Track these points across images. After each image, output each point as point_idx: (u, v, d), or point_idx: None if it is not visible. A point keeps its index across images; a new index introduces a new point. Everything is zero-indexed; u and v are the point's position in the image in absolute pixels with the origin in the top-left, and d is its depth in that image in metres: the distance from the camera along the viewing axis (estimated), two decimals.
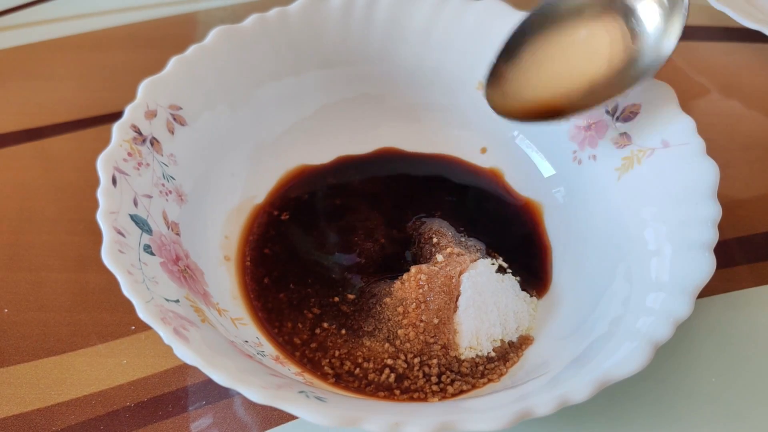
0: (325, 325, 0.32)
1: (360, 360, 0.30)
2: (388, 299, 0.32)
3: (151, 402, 0.30)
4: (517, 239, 0.35)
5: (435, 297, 0.31)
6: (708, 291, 0.28)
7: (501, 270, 0.33)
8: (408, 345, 0.30)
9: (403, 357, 0.30)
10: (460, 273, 0.32)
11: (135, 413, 0.30)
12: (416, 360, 0.30)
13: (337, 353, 0.31)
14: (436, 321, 0.31)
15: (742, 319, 0.32)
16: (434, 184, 0.38)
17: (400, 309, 0.31)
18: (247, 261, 0.34)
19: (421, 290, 0.31)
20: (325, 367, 0.30)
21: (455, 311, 0.31)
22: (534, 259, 0.34)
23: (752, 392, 0.30)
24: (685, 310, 0.26)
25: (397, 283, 0.32)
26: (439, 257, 0.33)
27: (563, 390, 0.24)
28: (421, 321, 0.31)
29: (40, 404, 0.30)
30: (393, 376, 0.30)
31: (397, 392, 0.29)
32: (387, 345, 0.31)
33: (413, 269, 0.32)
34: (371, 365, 0.30)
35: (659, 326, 0.26)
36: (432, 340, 0.30)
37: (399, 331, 0.31)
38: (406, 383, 0.30)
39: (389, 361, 0.30)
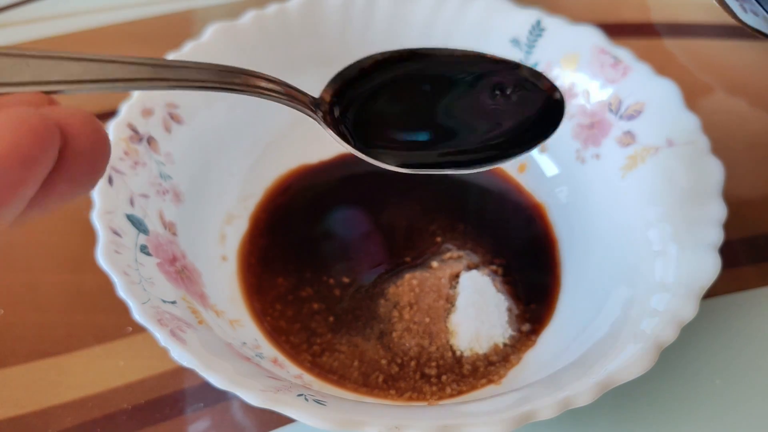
0: (315, 306, 0.31)
1: (343, 356, 0.30)
2: (382, 300, 0.32)
3: (148, 405, 0.30)
4: (523, 238, 0.35)
5: (424, 296, 0.31)
6: (713, 292, 0.27)
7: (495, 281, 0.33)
8: (404, 348, 0.30)
9: (398, 360, 0.30)
10: (451, 274, 0.32)
11: (132, 416, 0.29)
12: (413, 363, 0.30)
13: (319, 340, 0.30)
14: (427, 320, 0.31)
15: (747, 320, 0.32)
16: (437, 180, 0.37)
17: (395, 313, 0.31)
18: (252, 258, 0.33)
19: (413, 293, 0.31)
20: (304, 354, 0.30)
21: (453, 312, 0.31)
22: (541, 258, 0.34)
23: (757, 394, 0.30)
24: (690, 311, 0.26)
25: (392, 287, 0.32)
26: (434, 263, 0.33)
27: (567, 393, 0.24)
28: (415, 323, 0.31)
29: (36, 407, 0.30)
30: (382, 377, 0.29)
31: (393, 392, 0.29)
32: (378, 346, 0.30)
33: (407, 276, 0.32)
34: (357, 363, 0.30)
35: (664, 328, 0.26)
36: (427, 342, 0.30)
37: (393, 334, 0.31)
38: (402, 384, 0.29)
39: (383, 362, 0.30)
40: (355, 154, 0.24)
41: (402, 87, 0.26)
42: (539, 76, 0.25)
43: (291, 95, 0.23)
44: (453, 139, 0.25)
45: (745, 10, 0.22)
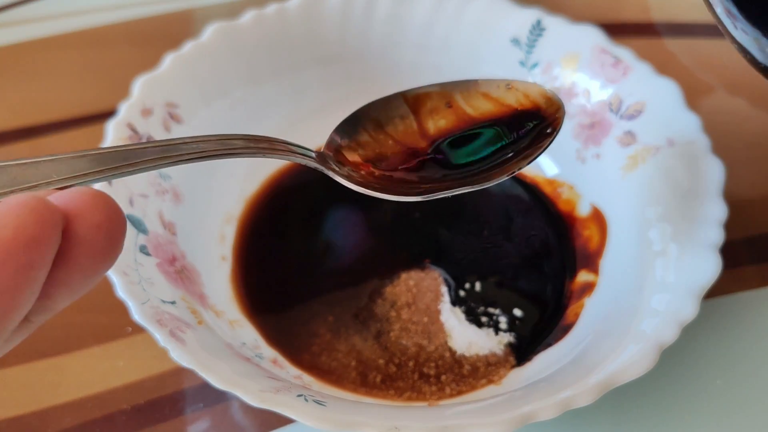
0: (314, 305, 0.31)
1: (341, 356, 0.30)
2: (379, 299, 0.32)
3: (147, 405, 0.30)
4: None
5: (422, 296, 0.31)
6: (714, 292, 0.27)
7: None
8: (401, 348, 0.30)
9: (396, 360, 0.30)
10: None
11: (131, 416, 0.29)
12: (411, 363, 0.30)
13: (317, 340, 0.30)
14: (425, 320, 0.30)
15: (748, 320, 0.32)
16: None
17: (393, 312, 0.31)
18: (251, 258, 0.33)
19: (410, 293, 0.31)
20: (303, 354, 0.30)
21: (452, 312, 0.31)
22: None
23: (758, 395, 0.30)
24: (690, 311, 0.26)
25: (389, 287, 0.32)
26: (430, 263, 0.33)
27: (567, 393, 0.24)
28: (413, 323, 0.30)
29: (35, 407, 0.30)
30: (379, 377, 0.29)
31: (392, 392, 0.29)
32: (376, 346, 0.30)
33: (403, 275, 0.32)
34: (354, 363, 0.30)
35: (664, 328, 0.25)
36: (426, 342, 0.30)
37: (391, 334, 0.30)
38: (401, 384, 0.29)
39: (380, 362, 0.30)
40: (373, 195, 0.25)
41: (404, 128, 0.27)
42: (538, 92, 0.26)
43: (293, 152, 0.24)
44: (458, 162, 0.26)
45: (735, 27, 0.22)
